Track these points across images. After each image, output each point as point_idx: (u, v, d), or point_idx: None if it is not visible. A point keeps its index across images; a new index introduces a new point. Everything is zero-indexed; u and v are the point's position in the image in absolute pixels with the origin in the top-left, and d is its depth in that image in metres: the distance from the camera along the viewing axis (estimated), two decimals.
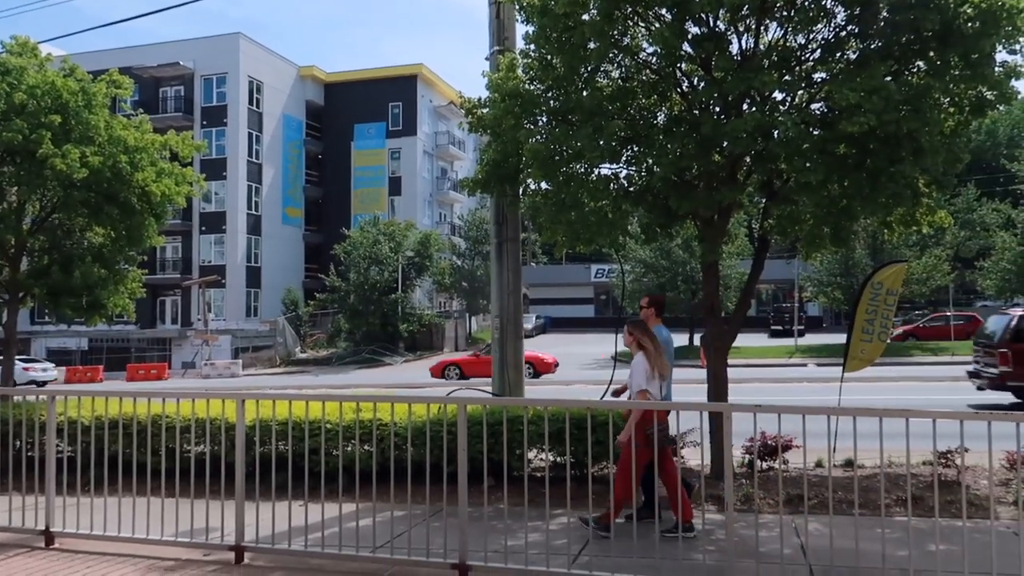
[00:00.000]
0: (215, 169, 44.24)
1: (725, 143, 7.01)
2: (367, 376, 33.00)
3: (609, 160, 7.51)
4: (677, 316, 38.15)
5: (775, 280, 47.99)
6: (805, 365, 28.86)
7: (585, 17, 7.18)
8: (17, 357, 26.89)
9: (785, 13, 7.13)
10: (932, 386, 19.67)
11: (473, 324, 51.23)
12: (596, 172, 7.80)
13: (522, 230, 9.63)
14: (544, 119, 7.88)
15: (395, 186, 52.96)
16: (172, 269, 47.10)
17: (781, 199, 7.87)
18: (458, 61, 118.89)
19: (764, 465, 8.00)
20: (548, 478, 5.49)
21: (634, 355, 6.17)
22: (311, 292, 48.26)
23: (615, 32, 7.31)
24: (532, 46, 7.81)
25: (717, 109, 7.36)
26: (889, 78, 6.53)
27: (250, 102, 48.02)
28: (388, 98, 52.37)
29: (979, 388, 14.52)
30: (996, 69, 6.71)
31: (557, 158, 7.50)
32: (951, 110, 7.09)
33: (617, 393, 6.79)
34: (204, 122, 46.92)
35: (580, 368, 29.22)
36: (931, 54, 6.83)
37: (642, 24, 7.59)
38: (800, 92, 7.43)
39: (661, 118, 7.91)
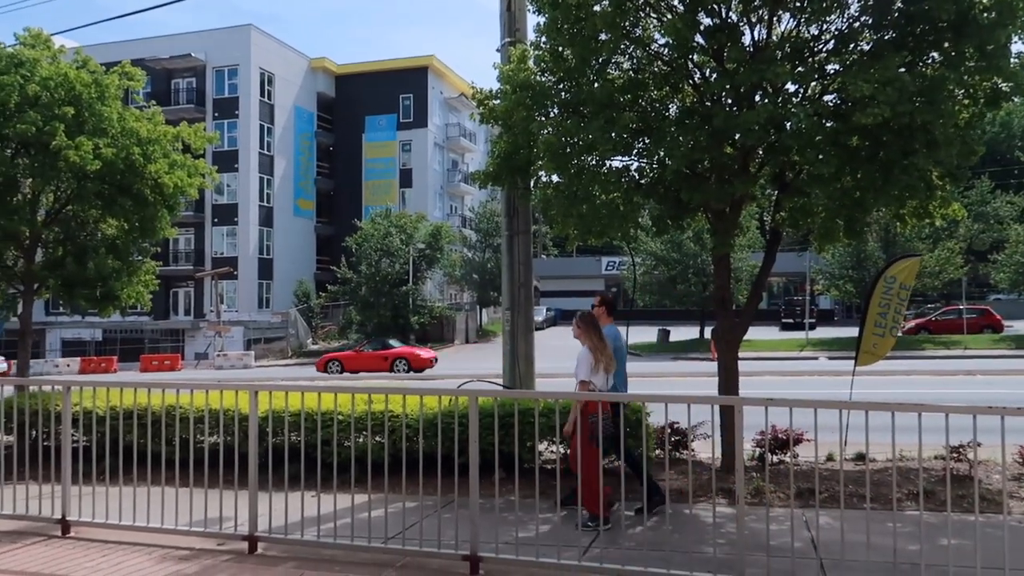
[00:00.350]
0: (227, 161, 44.45)
1: (737, 135, 6.98)
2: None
3: (621, 152, 7.49)
4: (688, 309, 38.12)
5: (787, 273, 47.81)
6: (816, 359, 28.77)
7: (596, 8, 7.14)
8: None
9: (798, 4, 7.07)
10: (944, 380, 19.57)
11: (484, 316, 51.29)
12: (608, 164, 7.78)
13: (533, 222, 9.63)
14: (555, 111, 7.86)
15: (406, 178, 53.01)
16: (185, 261, 47.39)
17: (793, 191, 7.83)
18: (469, 53, 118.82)
19: (775, 458, 7.99)
20: (559, 470, 5.50)
21: (582, 347, 6.37)
22: (323, 284, 48.45)
23: (627, 23, 7.27)
24: (543, 37, 7.78)
25: (729, 101, 7.32)
26: (903, 69, 6.47)
27: (262, 94, 48.14)
28: (399, 90, 52.38)
29: None
30: (1012, 60, 6.63)
31: (568, 150, 7.48)
32: (966, 102, 7.02)
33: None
34: (216, 114, 47.08)
35: None
36: (946, 45, 6.76)
37: (654, 15, 7.55)
38: (813, 83, 7.37)
39: (673, 110, 7.88)
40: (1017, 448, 7.36)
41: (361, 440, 7.31)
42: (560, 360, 27.48)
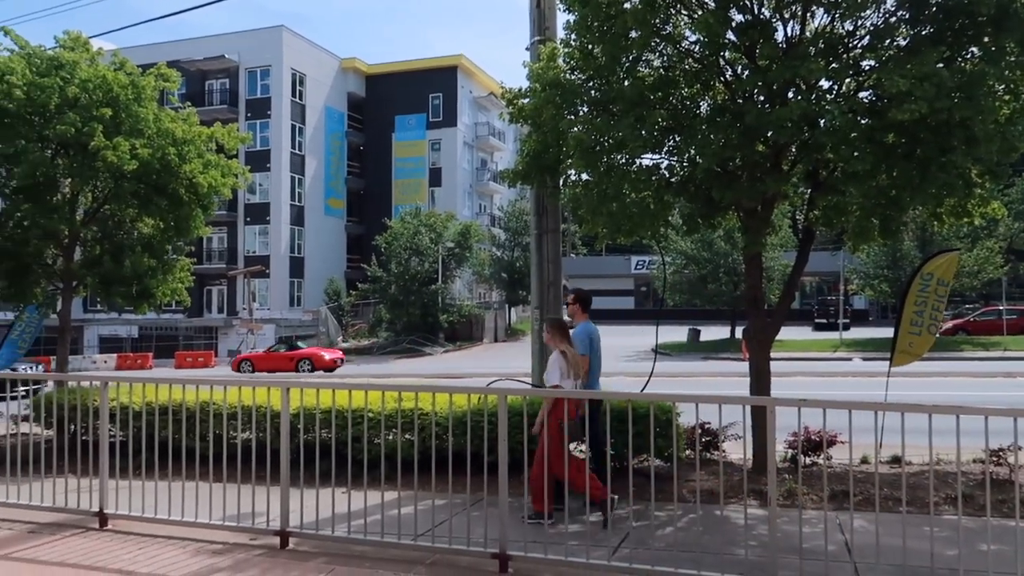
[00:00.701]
0: (259, 161, 45.00)
1: (769, 132, 6.89)
2: (407, 366, 33.33)
3: (651, 150, 7.44)
4: (719, 308, 37.77)
5: (820, 272, 47.12)
6: (850, 359, 28.32)
7: (627, 5, 7.10)
8: None
9: None
10: (983, 382, 19.15)
11: (512, 315, 51.32)
12: (637, 162, 7.73)
13: (562, 221, 9.60)
14: (585, 109, 7.83)
15: (435, 177, 53.23)
16: (218, 259, 48.07)
17: (827, 189, 7.71)
18: (498, 51, 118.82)
19: (808, 460, 7.89)
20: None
21: (552, 352, 6.48)
22: (353, 282, 48.86)
23: (657, 20, 7.22)
24: (573, 35, 7.75)
25: (761, 98, 7.23)
26: (941, 65, 6.33)
27: (293, 94, 48.66)
28: (428, 89, 52.60)
29: None
30: None
31: (598, 148, 7.45)
32: (1006, 97, 6.85)
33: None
34: (248, 114, 47.69)
35: (620, 360, 29.10)
36: (986, 39, 6.61)
37: (685, 12, 7.49)
38: (848, 80, 7.25)
39: (704, 107, 7.81)
40: None
41: (391, 438, 7.36)
42: None
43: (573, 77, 7.85)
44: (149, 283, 12.62)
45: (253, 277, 44.57)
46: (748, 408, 5.67)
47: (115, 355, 41.26)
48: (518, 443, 6.83)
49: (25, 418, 9.01)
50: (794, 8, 7.13)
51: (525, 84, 8.41)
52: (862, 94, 7.29)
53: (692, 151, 7.19)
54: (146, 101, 12.13)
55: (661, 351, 26.52)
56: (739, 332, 33.28)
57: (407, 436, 7.30)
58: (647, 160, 7.84)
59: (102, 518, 6.34)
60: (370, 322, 46.54)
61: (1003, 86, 6.72)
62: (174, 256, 13.47)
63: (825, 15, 7.23)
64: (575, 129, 7.49)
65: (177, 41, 47.74)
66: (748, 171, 7.37)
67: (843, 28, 7.23)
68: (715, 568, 4.68)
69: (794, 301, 9.51)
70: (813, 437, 7.59)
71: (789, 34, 7.30)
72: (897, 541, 4.57)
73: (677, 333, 36.91)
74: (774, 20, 7.19)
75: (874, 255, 35.18)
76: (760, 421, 6.81)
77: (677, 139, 7.41)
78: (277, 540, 5.75)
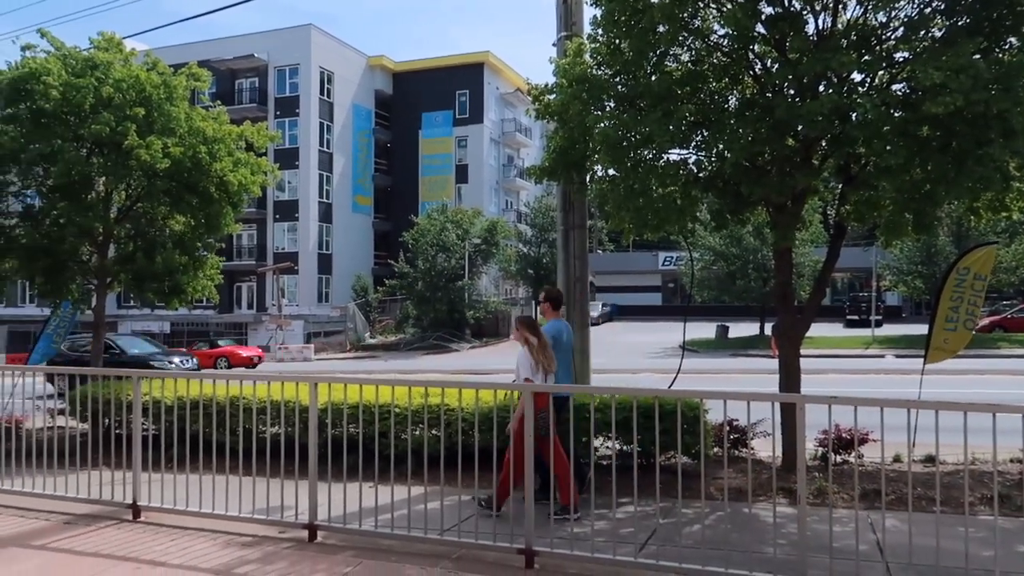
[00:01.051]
0: (288, 158, 45.44)
1: (800, 126, 6.79)
2: (434, 362, 33.47)
3: (679, 145, 7.37)
4: (748, 305, 37.40)
5: (851, 268, 46.48)
6: (883, 356, 27.89)
7: (654, 0, 7.05)
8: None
9: None
10: (1020, 380, 18.73)
11: (539, 311, 51.29)
12: (665, 158, 7.67)
13: (588, 217, 9.57)
14: (612, 104, 7.78)
15: (462, 174, 53.35)
16: (248, 256, 48.65)
17: (859, 184, 7.59)
18: (525, 48, 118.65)
19: (838, 459, 7.78)
20: (615, 466, 5.46)
21: (521, 348, 6.55)
22: (380, 279, 49.16)
23: (685, 14, 7.15)
24: (600, 31, 7.71)
25: (791, 91, 7.13)
26: (978, 56, 6.19)
27: (321, 92, 49.04)
28: (455, 86, 52.71)
29: None
30: None
31: (625, 144, 7.40)
32: None
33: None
34: (277, 112, 48.16)
35: (647, 357, 28.96)
36: None
37: (713, 6, 7.40)
38: (880, 72, 7.12)
39: (733, 102, 7.72)
40: None
41: (417, 433, 7.39)
42: (616, 355, 27.42)
43: (600, 72, 7.81)
44: (180, 279, 12.81)
45: (282, 273, 45.03)
46: (777, 405, 5.61)
47: None
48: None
49: (61, 411, 9.21)
50: (825, 0, 7.02)
51: (551, 80, 8.39)
52: (895, 87, 7.15)
53: (720, 146, 7.12)
54: (178, 100, 12.29)
55: (689, 348, 26.29)
56: (768, 329, 32.98)
57: (433, 432, 7.33)
58: (674, 155, 7.77)
59: (135, 510, 6.46)
60: (397, 318, 46.80)
61: None
62: (204, 253, 13.64)
63: (858, 6, 7.11)
64: (602, 125, 7.45)
65: (207, 41, 48.36)
66: (778, 166, 7.28)
67: (876, 19, 7.10)
68: (743, 566, 4.64)
69: (825, 297, 9.38)
70: (844, 435, 7.48)
71: (820, 26, 7.19)
72: (930, 541, 4.49)
73: (705, 330, 36.61)
74: (805, 12, 7.08)
75: (908, 250, 34.61)
76: (790, 418, 6.72)
77: (705, 134, 7.33)
78: (305, 533, 5.81)
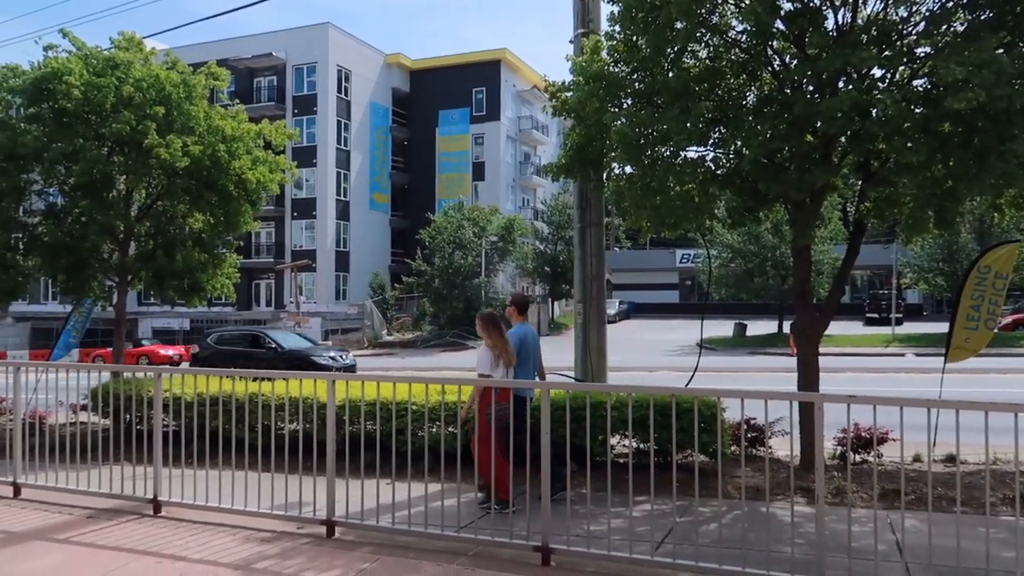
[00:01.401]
0: (306, 157, 45.67)
1: (819, 123, 6.74)
2: (451, 359, 33.55)
3: (696, 143, 7.34)
4: (766, 303, 37.17)
5: (871, 266, 46.06)
6: (903, 355, 27.61)
7: None
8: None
9: None
10: None
11: (556, 309, 51.25)
12: (682, 155, 7.64)
13: (605, 215, 9.55)
14: (629, 102, 7.76)
15: (479, 171, 53.38)
16: (266, 253, 48.97)
17: (879, 181, 7.52)
18: (542, 45, 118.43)
19: (857, 458, 7.72)
20: (631, 464, 5.45)
21: (483, 345, 6.83)
22: (397, 276, 49.33)
23: (703, 11, 7.11)
24: (617, 27, 7.68)
25: (811, 88, 7.07)
26: (1001, 51, 6.11)
27: (339, 91, 49.24)
28: (472, 83, 52.72)
29: None
30: None
31: (642, 141, 7.37)
32: None
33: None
34: (295, 111, 48.42)
35: (664, 355, 28.86)
36: None
37: (731, 1, 7.36)
38: (901, 68, 7.05)
39: (751, 98, 7.67)
40: None
41: (434, 430, 7.42)
42: (633, 353, 27.36)
43: (617, 70, 7.79)
44: (200, 277, 12.94)
45: (300, 271, 45.30)
46: (795, 404, 5.57)
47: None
48: (561, 437, 6.83)
49: (83, 407, 9.33)
50: None
51: (568, 77, 8.37)
52: (916, 82, 7.07)
53: (738, 143, 7.08)
54: (197, 99, 12.40)
55: (706, 346, 26.21)
56: (787, 327, 32.75)
57: (450, 429, 7.36)
58: (692, 152, 7.74)
59: (156, 505, 6.53)
60: (414, 316, 46.94)
61: None
62: (223, 251, 13.77)
63: (878, 1, 7.04)
64: (619, 122, 7.43)
65: (226, 40, 48.67)
66: (796, 163, 7.23)
67: (897, 14, 7.02)
68: (761, 565, 4.62)
69: (844, 295, 9.32)
70: (863, 434, 7.43)
71: (840, 22, 7.13)
72: (951, 542, 4.44)
73: (723, 327, 36.42)
74: (824, 8, 7.02)
75: (929, 248, 34.23)
76: (808, 417, 6.68)
77: (723, 131, 7.30)
78: (323, 529, 5.85)
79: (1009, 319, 33.91)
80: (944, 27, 6.78)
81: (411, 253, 45.53)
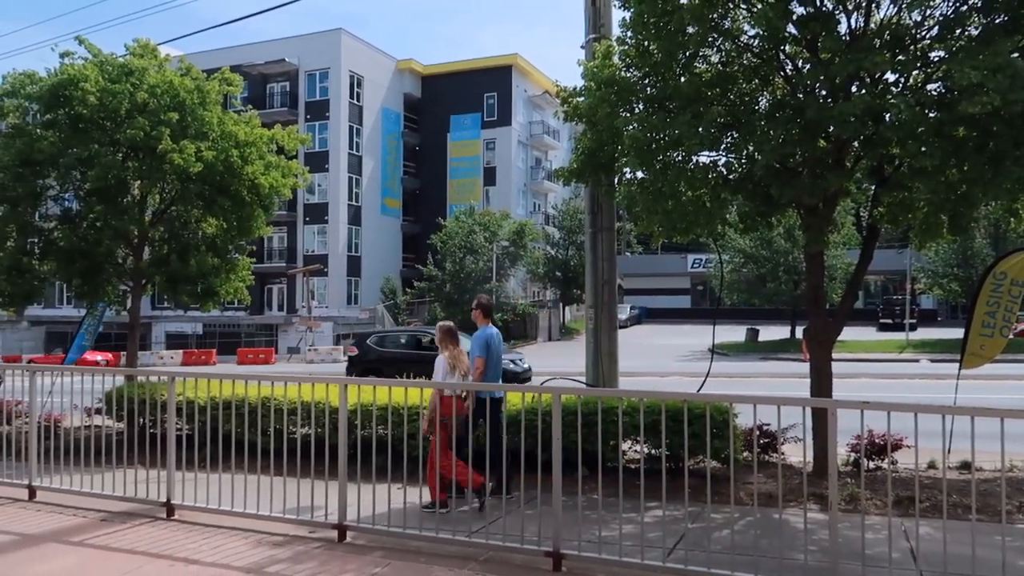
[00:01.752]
0: (318, 162, 45.88)
1: (831, 127, 6.71)
2: None
3: (708, 147, 7.32)
4: (778, 308, 36.99)
5: (885, 271, 45.71)
6: (917, 361, 27.40)
7: (684, 1, 7.01)
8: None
9: None
10: None
11: (567, 314, 51.21)
12: (694, 160, 7.62)
13: (617, 219, 9.54)
14: (640, 106, 7.75)
15: (490, 176, 53.46)
16: (278, 258, 49.21)
17: (893, 185, 7.47)
18: (553, 50, 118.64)
19: (871, 464, 7.67)
20: (643, 470, 5.43)
21: (440, 355, 7.14)
22: (408, 281, 49.45)
23: (715, 15, 7.10)
24: (629, 33, 7.69)
25: (823, 92, 7.05)
26: (1016, 54, 6.07)
27: (351, 96, 49.46)
28: (483, 89, 52.84)
29: None
30: None
31: (654, 146, 7.37)
32: None
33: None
34: (308, 116, 48.67)
35: (676, 360, 28.76)
36: None
37: (743, 6, 7.35)
38: (915, 72, 7.01)
39: (763, 103, 7.65)
40: None
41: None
42: (645, 358, 27.28)
43: (628, 75, 7.79)
44: (213, 281, 13.01)
45: (312, 276, 45.48)
46: (808, 410, 5.54)
47: (181, 351, 42.59)
48: (572, 442, 6.82)
49: (98, 411, 9.40)
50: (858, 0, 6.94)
51: (580, 82, 8.38)
52: (930, 86, 7.04)
53: (750, 148, 7.06)
54: (210, 105, 12.50)
55: (718, 351, 26.09)
56: (799, 332, 32.56)
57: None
58: (704, 157, 7.73)
59: (169, 508, 6.57)
60: (425, 320, 46.99)
61: None
62: (236, 255, 13.84)
63: (891, 5, 7.01)
64: (630, 127, 7.42)
65: (239, 46, 49.03)
66: (809, 167, 7.20)
67: (910, 19, 6.99)
68: (773, 572, 4.59)
69: (857, 300, 9.26)
70: (877, 440, 7.37)
71: (853, 26, 7.10)
72: (966, 550, 4.40)
73: (735, 333, 36.27)
74: (837, 12, 7.00)
75: (943, 253, 33.99)
76: (821, 423, 6.64)
77: (735, 136, 7.28)
78: (335, 533, 5.86)
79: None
80: (958, 31, 6.74)
81: (422, 258, 45.64)
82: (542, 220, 53.59)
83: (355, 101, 49.95)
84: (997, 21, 6.54)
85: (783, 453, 7.62)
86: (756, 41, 7.37)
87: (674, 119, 7.06)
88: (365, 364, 20.33)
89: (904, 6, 6.82)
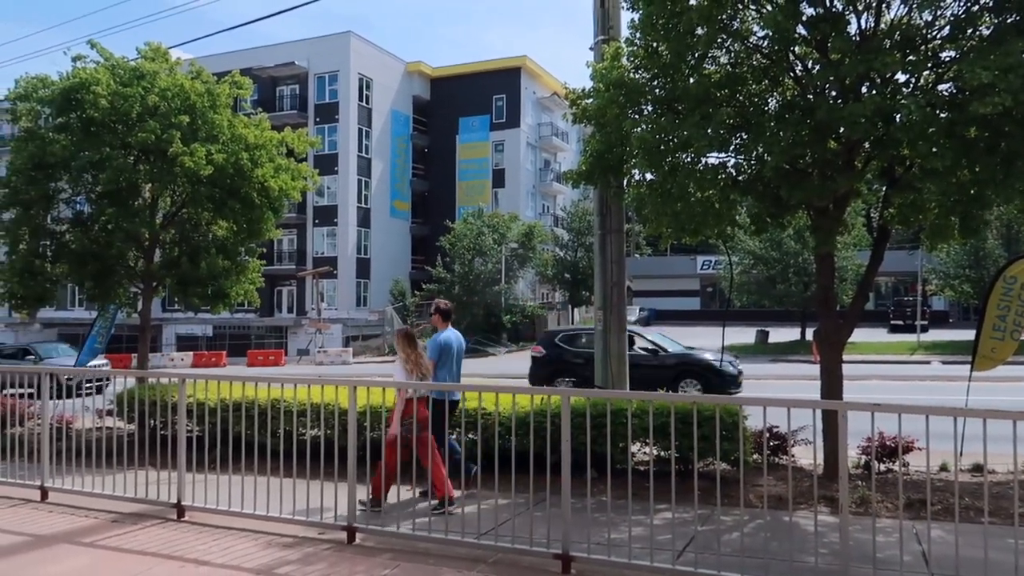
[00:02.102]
0: (327, 164, 46.01)
1: (842, 129, 6.69)
2: (471, 366, 33.40)
3: (717, 149, 7.30)
4: (788, 310, 36.84)
5: (896, 272, 45.47)
6: (929, 363, 27.21)
7: (692, 2, 7.00)
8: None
9: None
10: None
11: (576, 316, 51.15)
12: (703, 161, 7.61)
13: (626, 221, 9.54)
14: (649, 108, 7.75)
15: (499, 178, 53.48)
16: (288, 260, 49.36)
17: (903, 186, 7.43)
18: (562, 52, 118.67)
19: (882, 467, 7.62)
20: (652, 472, 5.42)
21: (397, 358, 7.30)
22: (418, 283, 49.49)
23: (724, 17, 7.09)
24: (637, 34, 7.69)
25: (833, 93, 7.02)
26: None
27: (360, 99, 49.59)
28: (492, 91, 52.89)
29: None
30: None
31: (663, 147, 7.36)
32: None
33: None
34: (317, 119, 48.81)
35: None
36: None
37: (753, 7, 7.33)
38: (926, 73, 6.98)
39: (772, 104, 7.63)
40: None
41: (455, 437, 7.44)
42: None
43: (637, 76, 7.78)
44: (223, 284, 13.07)
45: (321, 278, 45.59)
46: (819, 412, 5.52)
47: (191, 353, 42.76)
48: (581, 444, 6.81)
49: (109, 412, 9.45)
50: (868, 0, 6.90)
51: (589, 84, 8.38)
52: (941, 87, 7.00)
53: (760, 149, 7.04)
54: (221, 108, 12.56)
55: (728, 353, 25.95)
56: (809, 334, 32.40)
57: (470, 435, 7.36)
58: (713, 158, 7.71)
59: (179, 510, 6.60)
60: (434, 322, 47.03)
61: None
62: (246, 258, 13.90)
63: (902, 6, 6.98)
64: (639, 129, 7.42)
65: (249, 49, 49.22)
66: (819, 169, 7.17)
67: (921, 19, 6.96)
68: (783, 575, 4.57)
69: (868, 302, 9.22)
70: (888, 443, 7.33)
71: (863, 26, 7.07)
72: (978, 553, 4.37)
73: (745, 335, 36.12)
74: (847, 12, 6.97)
75: (955, 254, 33.77)
76: (831, 425, 6.61)
77: (744, 137, 7.26)
78: (344, 535, 5.87)
79: None
80: (970, 31, 6.71)
81: (431, 260, 45.69)
82: (551, 222, 53.56)
83: (364, 104, 50.08)
84: (1009, 21, 6.50)
85: (793, 455, 7.58)
86: (765, 42, 7.35)
87: (683, 120, 7.05)
88: (556, 366, 17.64)
89: (915, 6, 6.79)
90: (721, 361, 15.97)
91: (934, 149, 6.34)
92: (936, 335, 35.26)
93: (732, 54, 7.57)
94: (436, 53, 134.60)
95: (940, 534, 5.74)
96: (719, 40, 7.29)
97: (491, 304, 42.22)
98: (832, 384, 7.77)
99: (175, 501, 6.62)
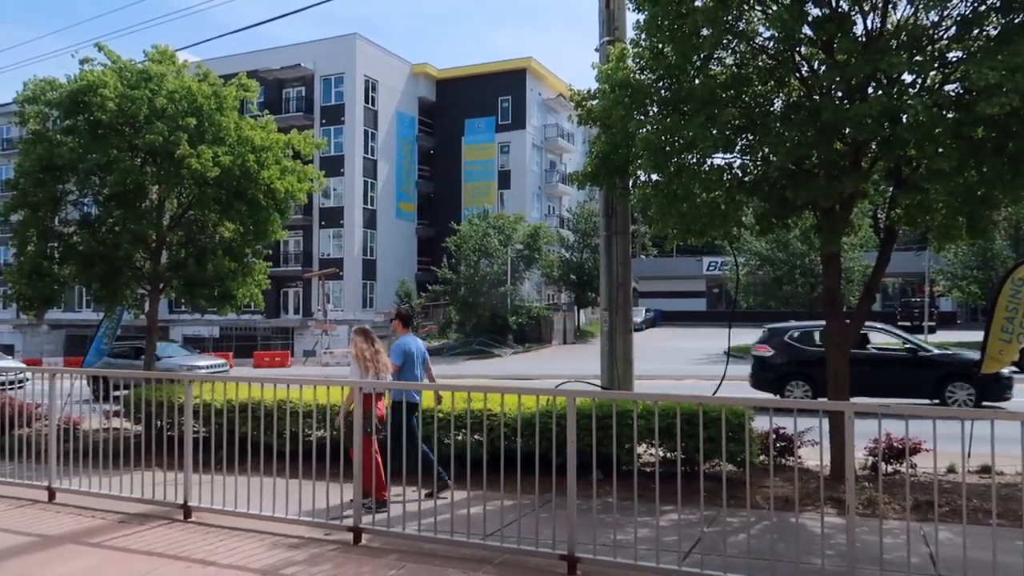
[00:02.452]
0: (333, 166, 46.10)
1: (848, 129, 6.67)
2: (477, 367, 33.56)
3: (723, 149, 7.30)
4: (794, 311, 36.72)
5: (903, 273, 45.32)
6: None
7: (698, 3, 7.00)
8: None
9: None
10: None
11: (582, 317, 51.13)
12: (709, 162, 7.60)
13: (632, 222, 9.53)
14: (655, 109, 7.74)
15: (504, 180, 53.50)
16: (294, 262, 49.47)
17: (910, 187, 7.41)
18: (567, 53, 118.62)
19: (889, 468, 7.60)
20: (658, 473, 5.42)
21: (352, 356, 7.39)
22: (423, 284, 49.54)
23: (729, 17, 7.08)
24: (643, 35, 7.68)
25: (839, 94, 7.01)
26: None
27: (366, 101, 49.68)
28: (498, 92, 52.92)
29: None
30: None
31: (668, 148, 7.36)
32: None
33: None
34: (323, 121, 48.92)
35: (691, 363, 28.62)
36: None
37: (758, 8, 7.32)
38: (932, 73, 6.95)
39: (778, 105, 7.61)
40: None
41: (460, 438, 7.44)
42: (660, 361, 27.16)
43: (643, 77, 7.78)
44: (230, 285, 13.09)
45: (327, 279, 45.67)
46: (825, 414, 5.50)
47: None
48: (587, 445, 6.81)
49: (116, 413, 9.48)
50: (874, 0, 6.89)
51: (594, 85, 8.38)
52: (948, 87, 6.97)
53: (766, 149, 7.03)
54: (227, 110, 12.59)
55: (734, 354, 25.88)
56: (816, 335, 32.30)
57: (476, 436, 7.36)
58: (718, 159, 7.71)
59: (186, 510, 6.62)
60: (440, 324, 47.09)
61: None
62: (253, 259, 13.92)
63: (908, 6, 6.96)
64: (644, 130, 7.41)
65: (256, 51, 49.35)
66: (825, 169, 7.15)
67: (927, 19, 6.94)
68: None
69: (875, 303, 9.18)
70: (895, 444, 7.31)
71: (869, 27, 7.06)
72: (986, 555, 4.35)
73: (751, 336, 35.92)
74: (853, 13, 6.96)
75: (962, 255, 33.67)
76: (838, 427, 6.59)
77: (750, 137, 7.25)
78: (350, 536, 5.88)
79: None
80: (976, 31, 6.69)
81: (437, 261, 45.73)
82: (556, 223, 53.56)
83: (370, 105, 50.17)
84: (1016, 21, 6.48)
85: (800, 457, 7.56)
86: (771, 43, 7.34)
87: (688, 121, 7.04)
88: (788, 368, 15.08)
89: (921, 6, 6.77)
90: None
91: (941, 150, 6.32)
92: (944, 336, 35.06)
93: (738, 55, 7.57)
94: (442, 55, 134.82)
95: (948, 536, 5.72)
96: (725, 41, 7.28)
97: (497, 305, 42.21)
98: (838, 385, 7.75)
99: (182, 502, 6.64)
